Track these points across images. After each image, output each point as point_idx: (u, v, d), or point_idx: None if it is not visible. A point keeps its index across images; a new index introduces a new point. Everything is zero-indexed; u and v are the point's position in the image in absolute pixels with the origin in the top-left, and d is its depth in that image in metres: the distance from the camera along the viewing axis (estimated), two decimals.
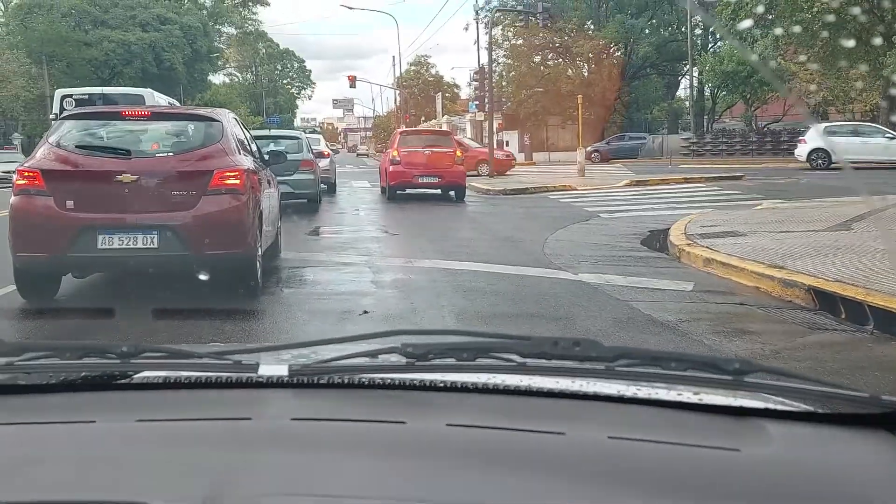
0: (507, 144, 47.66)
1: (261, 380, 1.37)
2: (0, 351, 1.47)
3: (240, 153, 7.31)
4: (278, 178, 15.00)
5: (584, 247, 11.21)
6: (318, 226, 14.56)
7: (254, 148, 8.65)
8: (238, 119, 8.57)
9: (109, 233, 6.64)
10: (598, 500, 1.02)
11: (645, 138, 46.21)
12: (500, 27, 49.45)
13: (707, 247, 9.97)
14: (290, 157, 15.38)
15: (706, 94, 51.29)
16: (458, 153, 20.24)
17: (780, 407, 1.29)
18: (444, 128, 46.67)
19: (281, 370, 1.37)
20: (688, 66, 52.16)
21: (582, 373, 1.35)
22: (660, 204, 17.73)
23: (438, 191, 20.00)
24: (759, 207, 15.54)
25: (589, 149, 35.27)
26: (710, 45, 52.29)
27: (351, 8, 55.64)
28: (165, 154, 7.10)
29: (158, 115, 7.75)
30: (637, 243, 11.87)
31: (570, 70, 51.32)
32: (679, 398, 1.31)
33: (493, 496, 1.03)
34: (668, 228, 12.67)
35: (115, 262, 6.87)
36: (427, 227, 14.05)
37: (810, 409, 1.29)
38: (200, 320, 6.43)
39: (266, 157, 9.16)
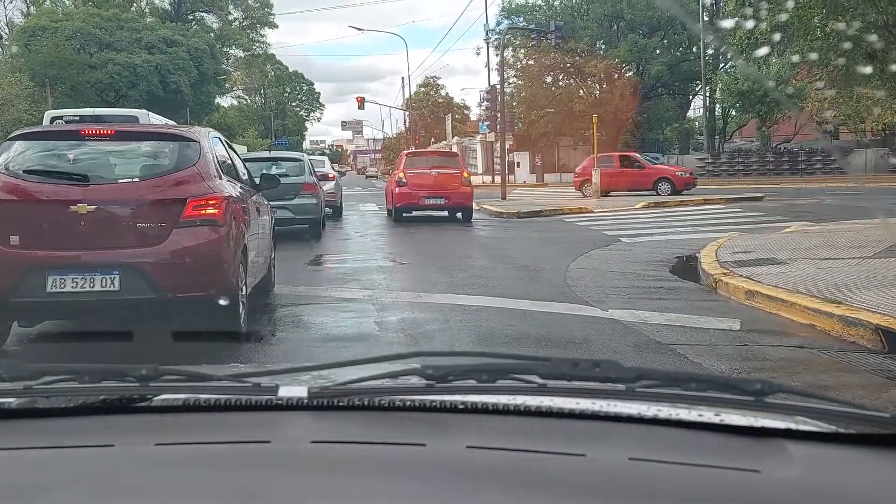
0: (519, 166, 46.96)
1: (280, 402, 1.36)
2: (17, 374, 1.44)
3: (220, 178, 6.32)
4: (277, 202, 14.19)
5: (609, 276, 10.26)
6: (319, 254, 13.49)
7: (242, 171, 7.71)
8: (223, 138, 7.61)
9: (61, 273, 5.60)
10: None
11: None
12: (511, 48, 48.84)
13: (747, 277, 9.04)
14: (290, 180, 14.61)
15: (717, 114, 50.53)
16: (466, 174, 19.84)
17: (801, 427, 1.27)
18: (455, 149, 46.04)
19: (300, 392, 1.36)
20: (700, 86, 51.57)
21: (602, 394, 1.34)
22: (682, 227, 16.81)
23: (445, 213, 19.59)
24: (788, 231, 14.62)
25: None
26: (721, 66, 51.65)
27: (360, 29, 55.09)
28: (130, 180, 6.05)
29: (124, 135, 6.58)
30: (665, 271, 10.94)
31: (581, 90, 50.64)
32: (700, 419, 1.29)
33: None
34: (697, 254, 11.95)
35: (68, 307, 5.83)
36: (438, 254, 12.99)
37: (831, 429, 1.27)
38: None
39: (258, 181, 8.22)
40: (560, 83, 51.04)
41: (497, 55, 34.13)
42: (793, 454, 1.19)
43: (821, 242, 12.04)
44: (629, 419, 1.30)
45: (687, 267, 11.40)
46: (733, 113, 49.93)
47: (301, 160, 15.20)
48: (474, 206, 23.83)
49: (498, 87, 31.97)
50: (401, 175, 19.21)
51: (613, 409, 1.32)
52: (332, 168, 23.33)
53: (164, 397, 1.39)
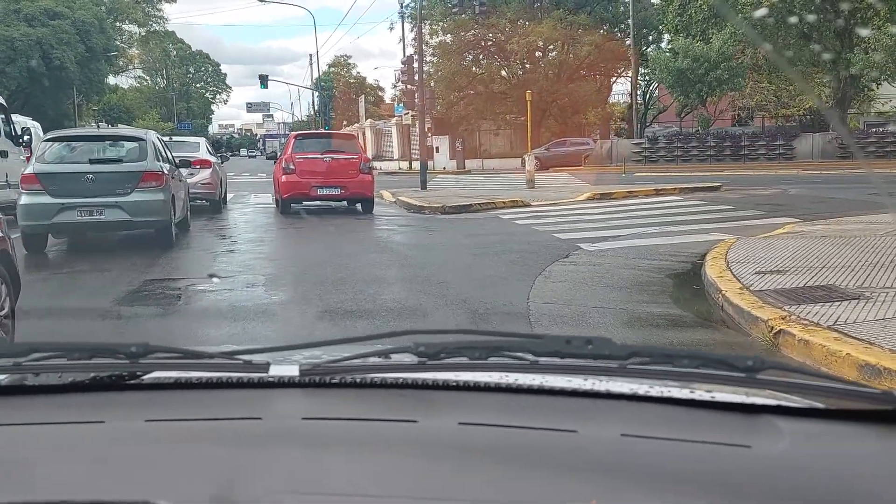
0: (438, 151, 43.40)
1: (272, 380, 1.34)
2: (7, 351, 1.43)
3: None
4: (105, 199, 10.06)
5: (595, 319, 6.55)
6: (152, 279, 8.73)
7: None
8: None
9: None
10: (611, 497, 0.99)
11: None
12: (429, 22, 44.97)
13: (835, 329, 5.49)
14: (124, 167, 10.44)
15: (639, 98, 47.75)
16: (365, 159, 17.64)
17: (792, 404, 1.26)
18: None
19: (292, 370, 1.34)
20: (623, 69, 48.69)
21: (594, 371, 1.32)
22: (646, 226, 13.02)
23: (344, 203, 17.50)
24: (784, 231, 11.36)
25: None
26: (645, 48, 48.83)
27: (263, 1, 50.40)
28: None
29: None
30: (668, 303, 7.42)
31: (503, 71, 47.16)
32: (691, 396, 1.27)
33: (506, 494, 0.99)
34: (695, 269, 8.83)
35: None
36: (332, 276, 8.89)
37: (822, 405, 1.26)
38: None
39: None
40: (481, 62, 47.46)
41: (412, 29, 30.23)
42: (783, 430, 1.17)
43: (867, 254, 8.63)
44: (621, 396, 1.28)
45: (695, 293, 7.80)
46: (656, 94, 47.42)
47: (143, 140, 10.68)
48: (390, 198, 20.34)
49: (416, 59, 28.02)
50: (288, 161, 16.35)
51: (605, 387, 1.29)
52: (211, 152, 19.01)
53: (155, 375, 1.36)
